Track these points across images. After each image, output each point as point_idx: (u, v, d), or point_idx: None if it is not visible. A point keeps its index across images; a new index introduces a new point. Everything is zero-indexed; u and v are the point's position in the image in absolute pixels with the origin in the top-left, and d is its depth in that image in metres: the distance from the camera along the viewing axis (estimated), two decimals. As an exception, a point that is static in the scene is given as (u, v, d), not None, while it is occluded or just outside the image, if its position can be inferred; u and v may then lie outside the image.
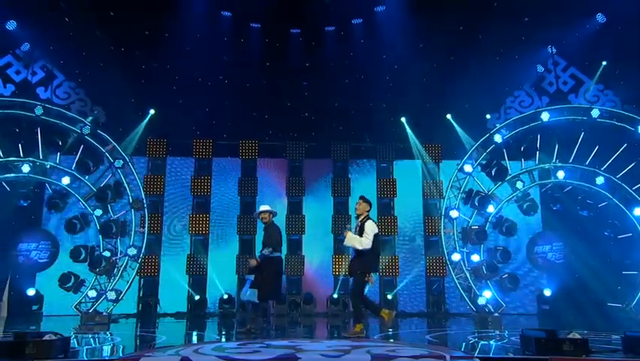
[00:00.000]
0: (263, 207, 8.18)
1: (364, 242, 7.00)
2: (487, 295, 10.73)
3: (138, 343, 7.78)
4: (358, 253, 7.15)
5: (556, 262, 13.07)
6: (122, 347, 6.91)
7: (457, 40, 12.56)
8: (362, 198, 7.45)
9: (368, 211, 7.32)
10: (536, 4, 11.72)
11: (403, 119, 13.42)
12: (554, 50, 12.98)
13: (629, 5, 11.56)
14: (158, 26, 12.33)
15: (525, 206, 11.80)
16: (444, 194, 11.69)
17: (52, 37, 12.20)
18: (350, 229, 7.31)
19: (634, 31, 11.81)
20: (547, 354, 5.07)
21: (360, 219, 7.26)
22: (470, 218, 11.26)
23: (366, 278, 7.07)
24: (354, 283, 7.20)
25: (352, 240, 7.10)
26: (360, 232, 7.09)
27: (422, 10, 12.06)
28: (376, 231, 7.12)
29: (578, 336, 5.31)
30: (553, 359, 4.97)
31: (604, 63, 12.39)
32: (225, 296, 12.29)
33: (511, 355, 5.88)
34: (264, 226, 8.15)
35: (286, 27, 13.22)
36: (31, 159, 10.93)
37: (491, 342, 7.26)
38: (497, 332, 8.45)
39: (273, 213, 8.17)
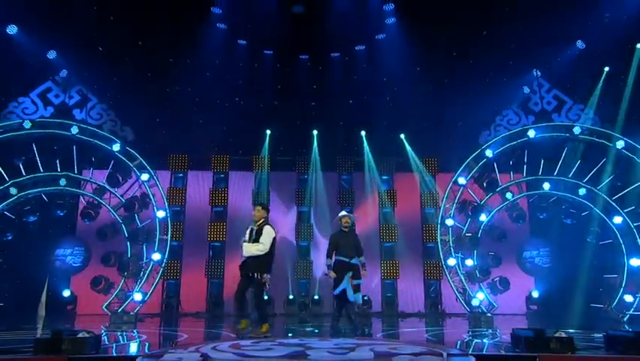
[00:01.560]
0: (345, 213, 7.90)
1: (261, 248, 6.93)
2: (480, 296, 10.68)
3: (162, 340, 7.75)
4: (255, 255, 7.03)
5: (543, 266, 12.96)
6: (147, 344, 6.89)
7: (450, 64, 12.59)
8: (261, 205, 7.50)
9: (265, 217, 7.32)
10: (522, 32, 11.72)
11: (402, 136, 13.42)
12: (539, 73, 12.96)
13: (605, 33, 11.57)
14: (181, 54, 12.39)
15: (514, 215, 11.81)
16: (440, 204, 11.67)
17: (87, 65, 12.29)
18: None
19: (610, 56, 11.83)
20: (535, 351, 5.03)
21: (258, 224, 7.16)
22: (464, 226, 11.24)
23: (263, 279, 6.96)
24: (256, 285, 7.03)
25: (250, 249, 6.97)
26: (258, 235, 7.03)
27: (418, 37, 12.09)
28: (274, 235, 7.09)
29: (563, 335, 5.27)
30: (542, 356, 4.92)
31: (584, 85, 12.38)
32: (240, 298, 12.24)
33: (502, 352, 5.85)
34: (345, 230, 7.68)
35: (296, 53, 13.26)
36: (67, 173, 11.09)
37: (484, 340, 7.21)
38: (490, 331, 8.36)
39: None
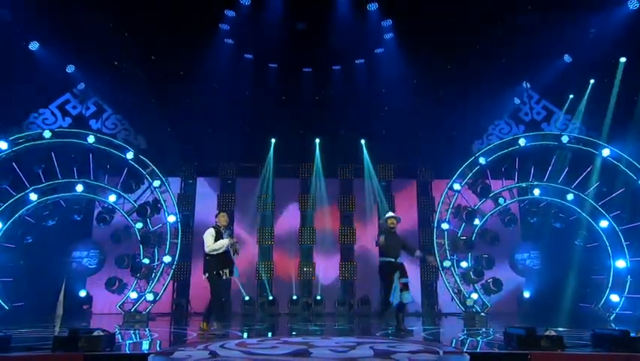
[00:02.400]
0: (391, 213, 7.77)
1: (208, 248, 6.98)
2: (474, 296, 10.65)
3: (172, 339, 7.74)
4: (205, 255, 7.07)
5: (534, 267, 12.93)
6: (158, 342, 6.92)
7: (445, 77, 12.58)
8: (224, 211, 7.58)
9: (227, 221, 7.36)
10: (512, 47, 11.76)
11: (400, 145, 13.38)
12: (529, 85, 12.99)
13: (591, 48, 11.61)
14: (191, 67, 12.42)
15: (506, 219, 11.80)
16: (436, 209, 11.68)
17: (103, 78, 12.38)
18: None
19: (595, 69, 11.87)
20: (527, 349, 5.03)
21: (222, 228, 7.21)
22: (459, 230, 11.23)
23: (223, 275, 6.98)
24: (210, 283, 7.06)
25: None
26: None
27: (415, 52, 12.12)
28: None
29: (553, 333, 5.27)
30: (533, 354, 4.91)
31: (571, 96, 12.42)
32: (247, 298, 12.20)
33: (496, 350, 5.82)
34: (392, 230, 7.51)
35: (299, 66, 13.28)
36: (83, 179, 11.14)
37: (478, 339, 7.19)
38: (483, 330, 8.34)
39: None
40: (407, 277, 7.28)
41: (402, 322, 7.28)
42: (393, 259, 7.26)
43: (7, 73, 11.31)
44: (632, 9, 10.98)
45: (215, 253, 6.93)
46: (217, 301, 7.10)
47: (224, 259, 7.01)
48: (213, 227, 7.12)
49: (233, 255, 7.16)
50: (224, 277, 7.01)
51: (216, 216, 7.35)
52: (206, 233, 7.06)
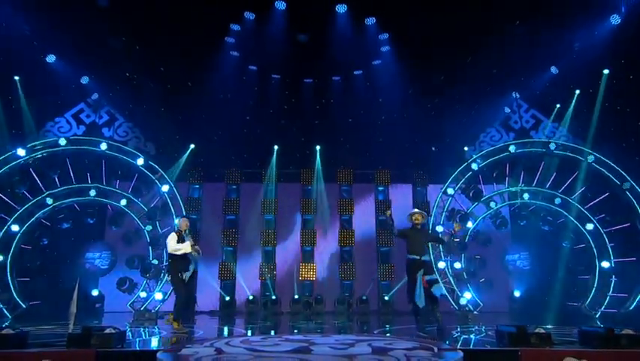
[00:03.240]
0: (417, 210, 7.27)
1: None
2: (467, 296, 10.66)
3: (179, 336, 7.74)
4: (168, 258, 7.20)
5: (524, 268, 12.90)
6: (167, 339, 6.90)
7: (439, 87, 12.65)
8: (186, 217, 7.69)
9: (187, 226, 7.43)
10: (502, 59, 11.81)
11: (397, 151, 13.39)
12: (518, 95, 13.04)
13: (577, 58, 11.67)
14: (198, 78, 12.50)
15: (497, 222, 11.81)
16: (431, 212, 11.68)
17: (115, 88, 12.44)
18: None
19: (580, 80, 11.91)
20: (518, 346, 5.03)
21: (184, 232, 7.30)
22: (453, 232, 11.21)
23: (182, 277, 7.05)
24: (172, 284, 7.22)
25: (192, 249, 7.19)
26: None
27: (410, 63, 12.17)
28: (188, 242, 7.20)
29: (542, 331, 5.27)
30: (523, 350, 4.91)
31: (558, 106, 12.45)
32: (251, 297, 12.18)
33: (488, 347, 5.81)
34: (417, 227, 6.97)
35: (301, 77, 13.33)
36: (96, 185, 11.18)
37: (471, 336, 7.17)
38: (476, 327, 8.31)
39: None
40: (433, 274, 6.73)
41: (440, 321, 6.64)
42: (417, 257, 6.68)
43: (26, 84, 11.45)
44: (614, 24, 11.04)
45: (177, 253, 7.10)
46: (179, 301, 7.19)
47: (183, 262, 7.17)
48: (175, 232, 7.34)
49: (196, 255, 7.31)
50: (184, 278, 7.13)
51: (178, 221, 7.58)
52: (169, 237, 7.27)
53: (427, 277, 6.62)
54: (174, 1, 10.57)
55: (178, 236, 7.22)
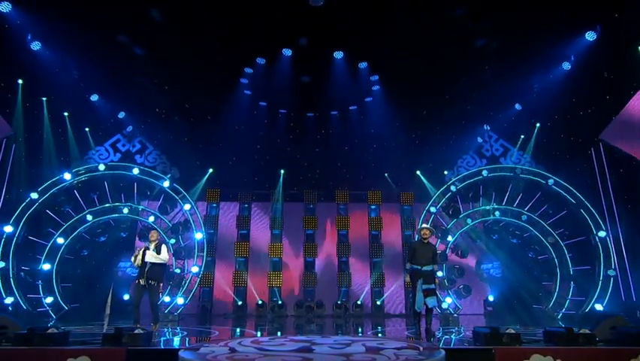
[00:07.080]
0: (425, 225, 7.14)
1: (163, 257, 7.21)
2: (448, 300, 10.59)
3: (198, 336, 7.71)
4: (156, 265, 7.09)
5: (496, 276, 12.82)
6: (187, 339, 6.87)
7: (422, 120, 12.83)
8: (155, 230, 7.70)
9: (159, 238, 7.50)
10: (475, 97, 12.03)
11: (387, 175, 13.57)
12: (489, 127, 13.22)
13: (536, 97, 11.93)
14: (217, 113, 12.63)
15: (473, 236, 11.81)
16: (417, 227, 11.70)
17: (147, 121, 12.62)
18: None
19: (540, 115, 12.14)
20: (492, 345, 5.04)
21: (155, 243, 7.31)
22: (435, 245, 11.22)
23: (160, 288, 7.11)
24: (155, 291, 7.17)
25: (154, 257, 7.17)
26: (158, 251, 7.21)
27: (397, 100, 12.37)
28: (171, 251, 7.26)
29: (513, 331, 5.28)
30: (496, 349, 4.93)
31: (522, 136, 12.64)
32: (260, 302, 12.05)
33: (466, 345, 5.81)
34: (424, 241, 6.79)
35: (304, 112, 13.48)
36: (129, 203, 11.26)
37: (452, 336, 7.13)
38: (456, 328, 8.28)
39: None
40: (432, 283, 6.54)
41: (429, 324, 6.58)
42: (419, 267, 6.61)
43: (73, 118, 11.71)
44: (565, 69, 11.38)
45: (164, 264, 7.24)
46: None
47: (142, 270, 7.19)
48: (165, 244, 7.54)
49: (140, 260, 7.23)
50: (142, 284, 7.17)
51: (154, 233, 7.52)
52: (166, 247, 7.38)
53: (425, 286, 6.57)
54: (198, 48, 10.85)
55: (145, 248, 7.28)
